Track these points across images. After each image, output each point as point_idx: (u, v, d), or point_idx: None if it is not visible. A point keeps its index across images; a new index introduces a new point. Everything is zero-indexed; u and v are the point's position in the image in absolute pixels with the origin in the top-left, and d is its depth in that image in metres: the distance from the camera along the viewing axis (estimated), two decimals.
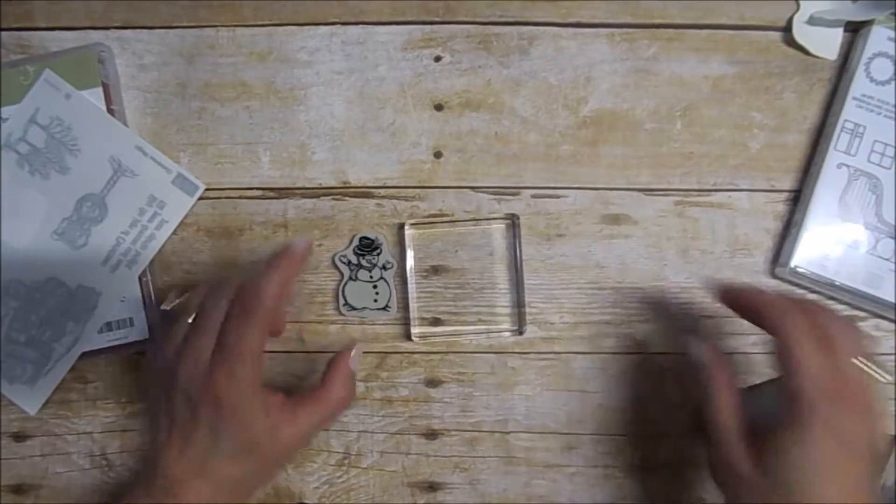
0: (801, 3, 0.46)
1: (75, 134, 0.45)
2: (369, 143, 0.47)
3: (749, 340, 0.47)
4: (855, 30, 0.46)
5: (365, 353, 0.47)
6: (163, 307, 0.44)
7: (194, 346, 0.37)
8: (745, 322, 0.46)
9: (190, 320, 0.39)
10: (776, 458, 0.34)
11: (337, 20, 0.47)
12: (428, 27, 0.47)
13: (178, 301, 0.42)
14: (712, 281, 0.42)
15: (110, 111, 0.45)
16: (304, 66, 0.47)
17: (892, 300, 0.45)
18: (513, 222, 0.46)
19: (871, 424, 0.35)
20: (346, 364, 0.41)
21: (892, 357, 0.47)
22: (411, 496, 0.47)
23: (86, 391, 0.47)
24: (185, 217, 0.47)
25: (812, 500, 0.33)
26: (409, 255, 0.46)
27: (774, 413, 0.35)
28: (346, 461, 0.47)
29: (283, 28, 0.47)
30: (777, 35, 0.47)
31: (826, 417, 0.33)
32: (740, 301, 0.39)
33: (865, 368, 0.35)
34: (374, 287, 0.47)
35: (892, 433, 0.47)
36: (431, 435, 0.47)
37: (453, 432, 0.47)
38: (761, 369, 0.47)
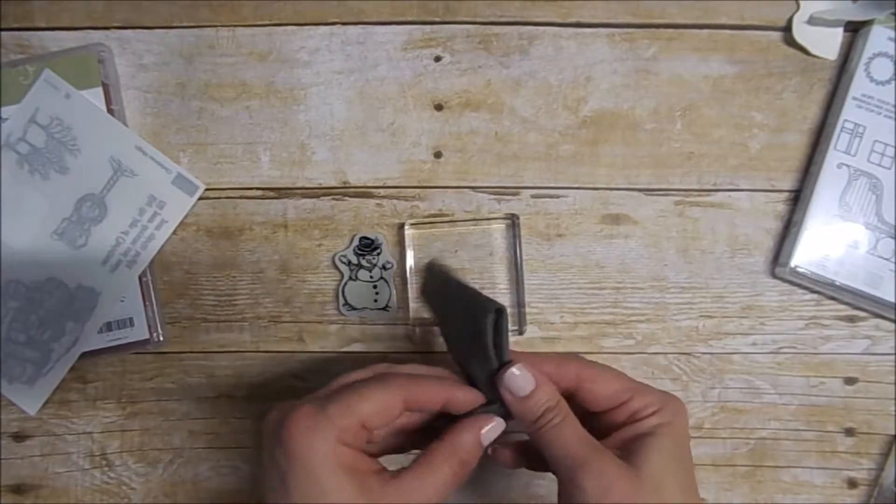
0: (801, 3, 0.46)
1: (75, 134, 0.45)
2: (369, 143, 0.47)
3: (749, 340, 0.47)
4: (855, 30, 0.46)
5: (365, 353, 0.47)
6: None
7: (302, 401, 0.32)
8: (745, 322, 0.47)
9: None
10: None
11: (337, 20, 0.47)
12: (428, 27, 0.47)
13: None
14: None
15: (110, 111, 0.45)
16: (304, 66, 0.47)
17: (892, 300, 0.45)
18: (513, 222, 0.46)
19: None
20: (475, 435, 0.33)
21: (892, 357, 0.47)
22: None
23: (86, 391, 0.47)
24: (185, 217, 0.47)
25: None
26: (409, 254, 0.46)
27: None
28: None
29: (283, 28, 0.47)
30: (777, 35, 0.47)
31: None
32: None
33: None
34: (374, 287, 0.47)
35: (892, 433, 0.47)
36: None
37: None
38: (762, 369, 0.47)
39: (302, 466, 0.30)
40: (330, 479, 0.30)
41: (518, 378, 0.33)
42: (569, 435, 0.32)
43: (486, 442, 0.34)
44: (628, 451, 0.32)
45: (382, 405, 0.31)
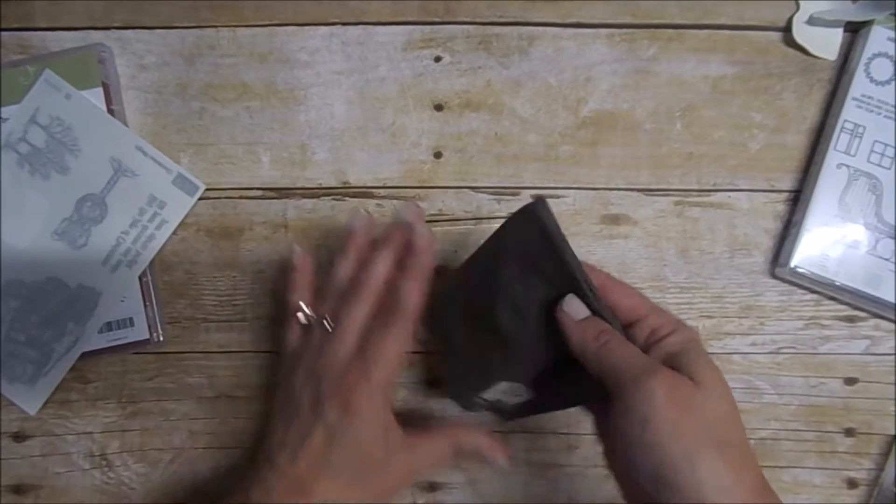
0: (801, 3, 0.46)
1: (75, 134, 0.45)
2: (369, 144, 0.47)
3: (749, 340, 0.47)
4: (855, 30, 0.46)
5: None
6: (301, 320, 0.41)
7: (336, 345, 0.37)
8: (744, 322, 0.47)
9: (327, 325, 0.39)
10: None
11: (337, 20, 0.47)
12: (428, 27, 0.47)
13: (311, 314, 0.40)
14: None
15: (110, 111, 0.45)
16: (304, 66, 0.47)
17: (892, 300, 0.45)
18: None
19: None
20: (487, 444, 0.40)
21: (892, 357, 0.47)
22: (411, 496, 0.47)
23: (86, 391, 0.47)
24: (186, 217, 0.47)
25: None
26: None
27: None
28: None
29: (283, 28, 0.47)
30: (777, 35, 0.47)
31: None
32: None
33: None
34: None
35: (892, 433, 0.47)
36: None
37: None
38: (761, 369, 0.47)
39: (355, 424, 0.35)
40: (377, 434, 0.36)
41: (574, 303, 0.35)
42: (629, 349, 0.34)
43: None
44: (671, 367, 0.33)
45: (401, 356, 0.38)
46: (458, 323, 0.40)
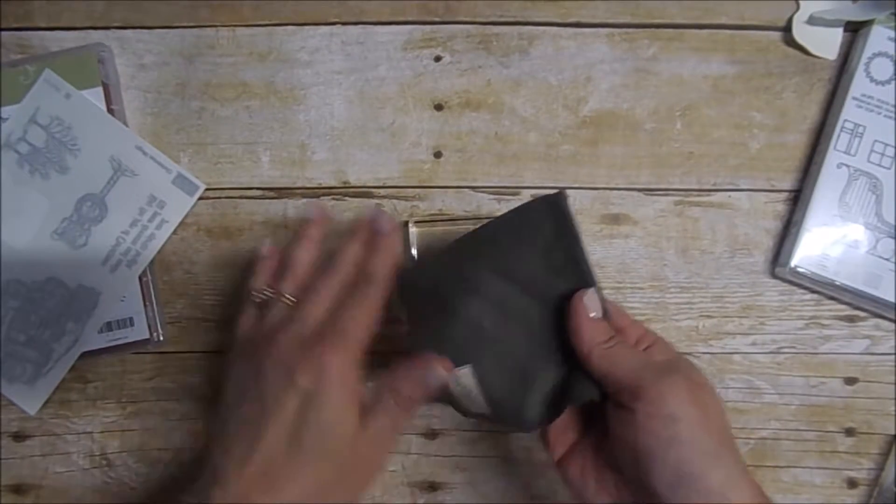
0: (801, 3, 0.46)
1: (75, 134, 0.45)
2: (369, 143, 0.47)
3: (749, 340, 0.47)
4: (855, 30, 0.46)
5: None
6: (256, 298, 0.39)
7: (303, 315, 0.35)
8: (745, 322, 0.47)
9: (287, 301, 0.37)
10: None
11: (337, 20, 0.47)
12: (428, 27, 0.47)
13: (269, 290, 0.38)
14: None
15: (110, 111, 0.45)
16: (304, 66, 0.47)
17: (892, 300, 0.45)
18: None
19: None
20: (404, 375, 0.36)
21: (892, 357, 0.47)
22: (411, 496, 0.47)
23: (86, 391, 0.47)
24: (185, 217, 0.47)
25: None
26: (413, 253, 0.46)
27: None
28: None
29: (283, 28, 0.47)
30: (777, 35, 0.47)
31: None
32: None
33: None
34: None
35: (892, 433, 0.47)
36: (431, 435, 0.47)
37: (453, 432, 0.47)
38: (762, 369, 0.47)
39: (331, 389, 0.33)
40: (349, 404, 0.33)
41: (594, 298, 0.35)
42: (638, 353, 0.34)
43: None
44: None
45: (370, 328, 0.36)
46: (438, 293, 0.37)
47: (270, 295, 0.38)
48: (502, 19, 0.47)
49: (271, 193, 0.47)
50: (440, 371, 0.35)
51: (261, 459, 0.32)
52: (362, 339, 0.35)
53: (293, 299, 0.37)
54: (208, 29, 0.47)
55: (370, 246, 0.38)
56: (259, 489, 0.31)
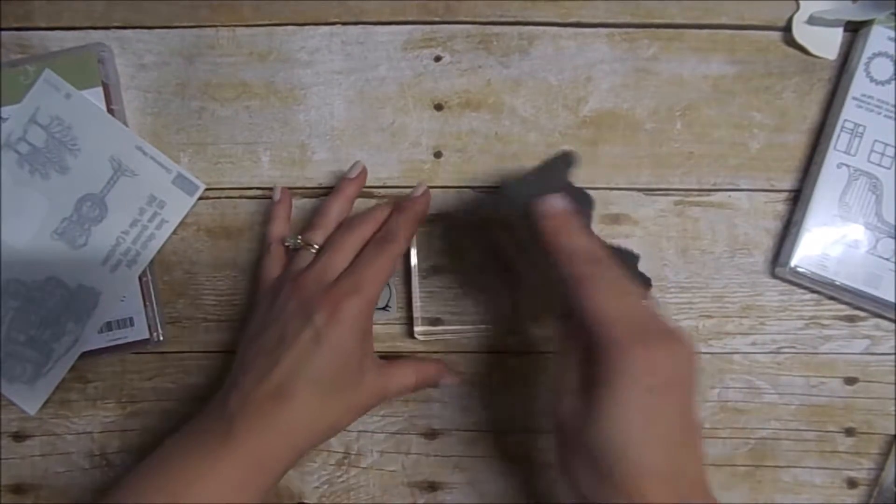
0: (801, 2, 0.46)
1: (75, 134, 0.45)
2: (369, 143, 0.47)
3: (749, 340, 0.47)
4: (855, 30, 0.46)
5: None
6: (286, 244, 0.44)
7: (326, 262, 0.40)
8: (745, 322, 0.47)
9: (314, 250, 0.42)
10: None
11: (337, 20, 0.47)
12: (428, 27, 0.47)
13: (299, 238, 0.42)
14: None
15: (110, 111, 0.45)
16: (304, 66, 0.47)
17: (892, 300, 0.45)
18: None
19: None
20: (440, 371, 0.44)
21: (892, 357, 0.47)
22: (411, 496, 0.47)
23: (86, 391, 0.47)
24: (185, 217, 0.47)
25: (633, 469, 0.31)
26: (413, 253, 0.46)
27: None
28: (346, 461, 0.47)
29: (283, 28, 0.47)
30: (777, 35, 0.47)
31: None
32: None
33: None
34: None
35: (892, 433, 0.47)
36: (431, 435, 0.47)
37: (453, 432, 0.47)
38: (762, 369, 0.47)
39: (342, 328, 0.38)
40: (358, 346, 0.39)
41: (559, 199, 0.36)
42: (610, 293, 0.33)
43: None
44: None
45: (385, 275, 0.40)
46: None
47: (299, 243, 0.42)
48: (502, 19, 0.47)
49: (271, 193, 0.47)
50: (451, 379, 0.46)
51: (276, 379, 0.37)
52: (376, 290, 0.39)
53: (318, 248, 0.42)
54: (208, 29, 0.47)
55: (398, 207, 0.42)
56: (271, 399, 0.37)
